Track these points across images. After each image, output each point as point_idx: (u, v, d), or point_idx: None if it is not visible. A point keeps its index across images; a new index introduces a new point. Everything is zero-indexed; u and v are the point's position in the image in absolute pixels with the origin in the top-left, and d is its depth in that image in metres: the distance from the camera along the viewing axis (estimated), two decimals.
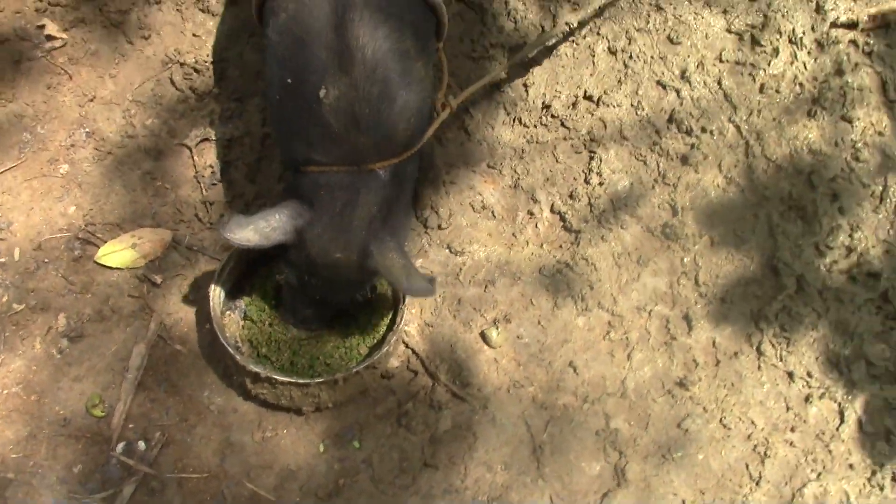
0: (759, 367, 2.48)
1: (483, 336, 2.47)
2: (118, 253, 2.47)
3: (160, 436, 2.30)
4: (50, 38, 2.65)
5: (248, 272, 2.44)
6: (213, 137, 2.62)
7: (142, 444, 2.30)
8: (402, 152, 2.11)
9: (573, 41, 2.74)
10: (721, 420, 2.42)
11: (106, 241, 2.49)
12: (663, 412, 2.42)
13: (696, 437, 2.39)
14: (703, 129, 2.64)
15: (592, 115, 2.67)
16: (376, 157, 2.06)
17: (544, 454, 2.35)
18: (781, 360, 2.48)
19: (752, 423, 2.42)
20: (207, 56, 2.68)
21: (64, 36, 2.66)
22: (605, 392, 2.44)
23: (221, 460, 2.30)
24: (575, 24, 2.62)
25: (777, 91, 2.68)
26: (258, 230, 2.04)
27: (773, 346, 2.49)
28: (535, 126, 2.68)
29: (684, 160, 2.63)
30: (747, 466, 2.38)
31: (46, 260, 2.46)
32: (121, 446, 2.29)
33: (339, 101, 1.99)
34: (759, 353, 2.48)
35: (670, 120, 2.67)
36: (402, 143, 2.11)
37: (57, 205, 2.52)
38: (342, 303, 2.30)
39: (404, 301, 2.32)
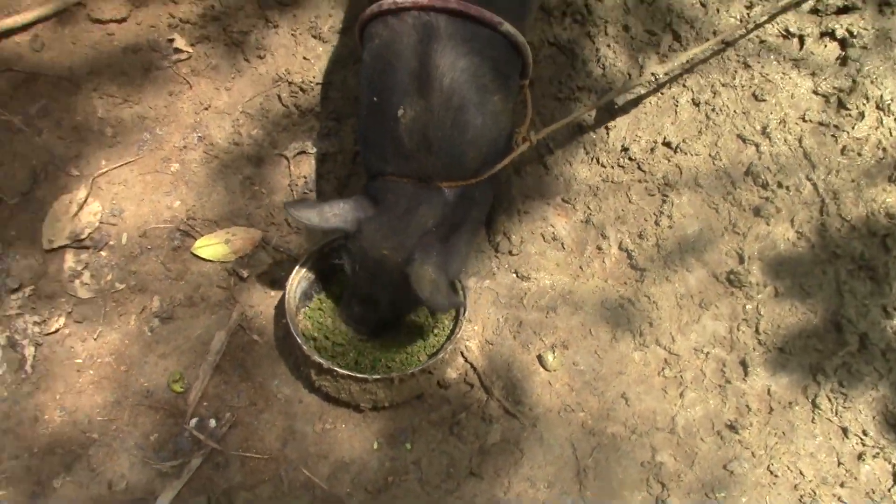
0: (813, 420, 2.54)
1: (540, 359, 2.62)
2: (212, 246, 2.75)
3: (230, 416, 2.53)
4: (177, 50, 3.00)
5: (326, 274, 2.67)
6: (310, 151, 2.90)
7: (213, 422, 2.53)
8: (471, 177, 2.29)
9: (658, 90, 2.91)
10: (769, 467, 2.48)
11: (203, 235, 2.77)
12: (710, 452, 2.50)
13: (742, 480, 2.46)
14: (780, 184, 2.75)
15: (669, 161, 2.82)
16: (444, 176, 2.26)
17: (588, 478, 2.46)
18: (837, 415, 2.53)
19: (801, 473, 2.48)
20: (314, 78, 2.97)
21: (190, 50, 3.01)
22: (655, 426, 2.54)
23: (283, 445, 2.50)
24: (661, 76, 2.79)
25: (859, 154, 2.77)
26: (320, 213, 2.29)
27: (829, 400, 2.54)
28: (612, 167, 2.84)
29: (756, 212, 2.73)
30: None
31: (149, 247, 2.76)
32: (194, 421, 2.53)
33: (414, 122, 2.20)
34: (815, 405, 2.54)
35: (747, 172, 2.78)
36: (471, 168, 2.29)
37: (164, 198, 2.83)
38: (384, 307, 2.44)
39: (464, 313, 2.50)
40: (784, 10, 2.91)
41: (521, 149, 2.44)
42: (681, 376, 2.60)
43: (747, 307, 2.65)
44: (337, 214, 2.31)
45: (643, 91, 2.88)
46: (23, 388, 2.54)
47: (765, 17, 2.90)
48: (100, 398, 2.54)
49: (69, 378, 2.56)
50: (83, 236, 2.74)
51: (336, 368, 2.39)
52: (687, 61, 2.86)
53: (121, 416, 2.52)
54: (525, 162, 2.87)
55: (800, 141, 2.80)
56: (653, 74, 2.74)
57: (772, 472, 2.47)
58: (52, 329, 2.61)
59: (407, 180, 2.27)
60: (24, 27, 2.99)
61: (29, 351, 2.58)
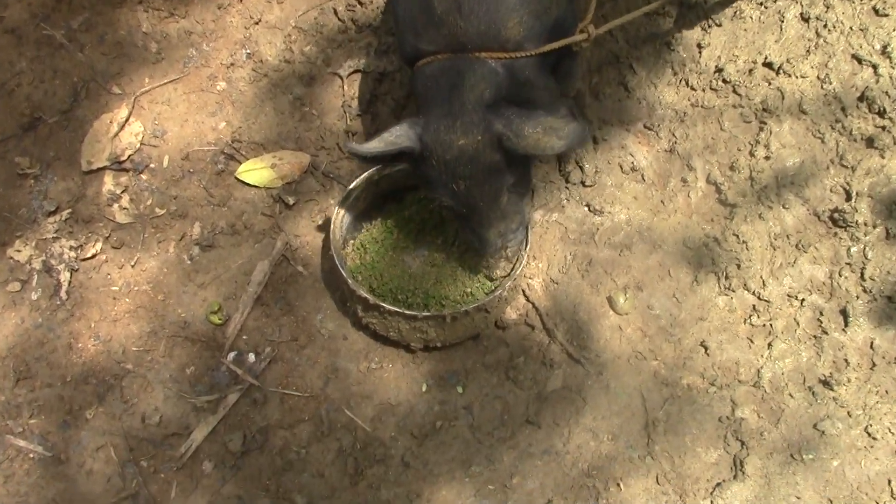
0: None
1: (610, 301, 2.71)
2: (258, 171, 2.92)
3: (270, 351, 2.71)
4: None
5: (377, 202, 2.82)
6: (366, 69, 3.04)
7: (251, 357, 2.72)
8: (514, 50, 2.34)
9: (761, 3, 2.92)
10: (866, 428, 2.51)
11: (248, 159, 2.95)
12: (799, 409, 2.55)
13: (834, 441, 2.50)
14: None
15: (770, 83, 2.84)
16: (479, 45, 2.32)
17: (657, 431, 2.55)
18: None
19: None
20: None
21: None
22: (737, 378, 2.60)
23: (324, 384, 2.67)
24: None
25: None
26: (382, 139, 2.38)
27: None
28: (703, 90, 2.88)
29: (869, 143, 2.73)
30: (889, 482, 2.46)
31: (192, 170, 2.96)
32: (232, 355, 2.72)
33: None
34: None
35: (861, 98, 2.77)
36: (512, 39, 2.33)
37: (209, 119, 3.02)
38: (500, 199, 2.46)
39: (526, 247, 2.60)
40: None
41: (574, 38, 2.43)
42: (770, 325, 2.64)
43: (852, 250, 2.67)
44: (400, 136, 2.40)
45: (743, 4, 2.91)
46: (57, 314, 2.77)
47: None
48: (135, 328, 2.76)
49: (105, 306, 2.78)
50: (123, 158, 2.95)
51: (383, 304, 2.52)
52: None
53: (156, 347, 2.73)
54: (604, 83, 2.94)
55: None
56: None
57: (870, 435, 2.50)
58: (89, 254, 2.84)
59: (443, 56, 2.35)
60: None
61: (64, 276, 2.81)
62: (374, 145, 2.37)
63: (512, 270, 2.62)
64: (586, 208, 2.85)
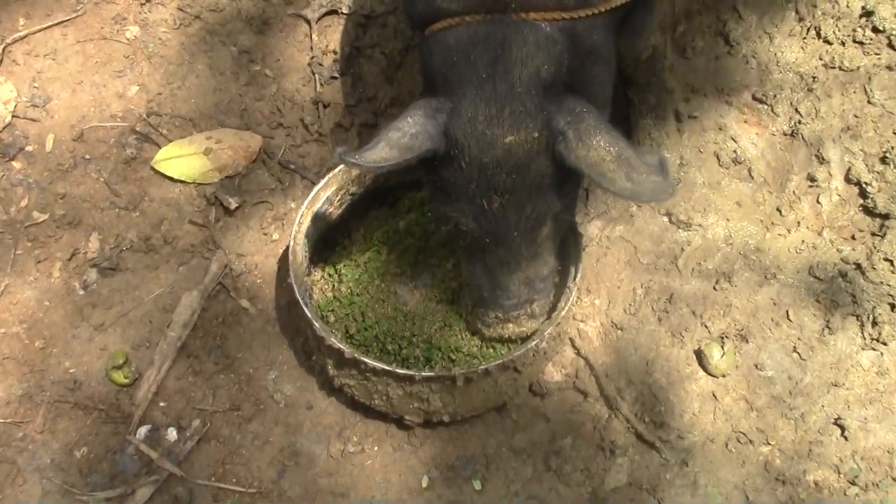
0: None
1: (700, 356, 2.63)
2: (185, 159, 2.86)
3: (199, 425, 2.63)
4: None
5: (357, 209, 2.75)
6: (345, 11, 2.97)
7: (172, 433, 2.64)
8: (575, 6, 2.26)
9: None
10: None
11: (171, 141, 2.89)
12: None
13: None
14: None
15: None
16: (527, 1, 2.23)
17: None
18: None
19: None
20: None
21: None
22: (891, 475, 2.51)
23: (279, 475, 2.59)
24: None
25: None
26: (393, 143, 2.23)
27: None
28: (843, 43, 2.80)
29: None
30: None
31: (88, 156, 2.89)
32: (143, 430, 2.64)
33: None
34: None
35: None
36: None
37: (114, 81, 2.96)
38: (540, 230, 2.39)
39: (576, 277, 2.51)
40: None
41: None
42: None
43: None
44: (416, 134, 2.27)
45: None
46: None
47: None
48: (1, 389, 2.68)
49: None
50: None
51: (365, 359, 2.44)
52: None
53: (32, 419, 2.65)
54: (693, 34, 2.88)
55: None
56: None
57: None
58: None
59: (475, 17, 2.26)
60: None
61: None
62: (383, 155, 2.23)
63: (553, 311, 2.54)
64: (666, 218, 2.79)
